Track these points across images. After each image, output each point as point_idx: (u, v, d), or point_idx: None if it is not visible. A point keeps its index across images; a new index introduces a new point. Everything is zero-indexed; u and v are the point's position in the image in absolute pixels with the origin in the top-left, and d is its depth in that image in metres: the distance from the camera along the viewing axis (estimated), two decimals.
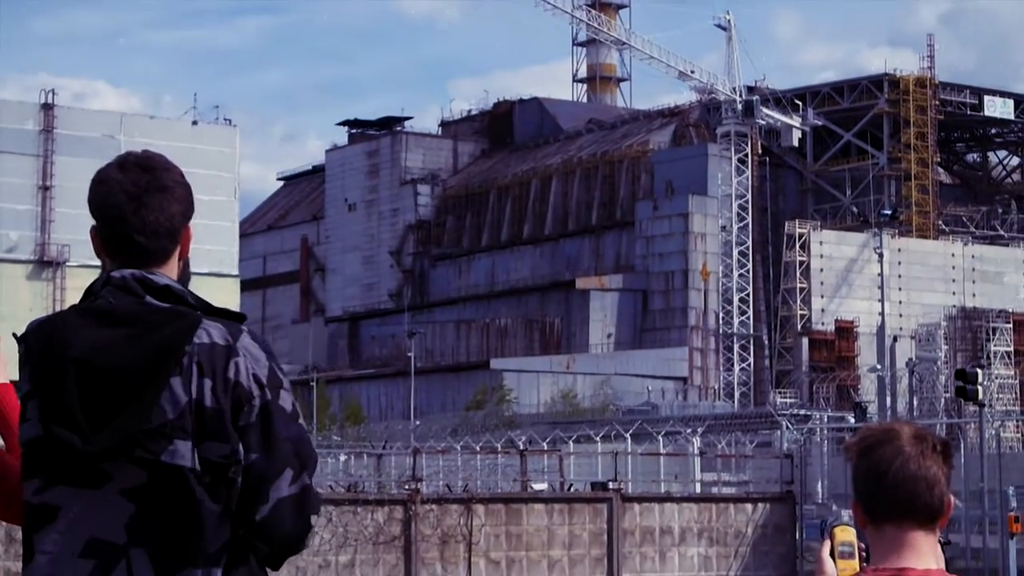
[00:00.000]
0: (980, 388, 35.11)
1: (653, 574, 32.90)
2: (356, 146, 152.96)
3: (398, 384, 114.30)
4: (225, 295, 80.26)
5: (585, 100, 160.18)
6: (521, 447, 44.54)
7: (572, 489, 36.88)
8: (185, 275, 4.14)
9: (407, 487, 31.02)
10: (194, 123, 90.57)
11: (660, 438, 50.14)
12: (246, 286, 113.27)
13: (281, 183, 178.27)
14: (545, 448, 50.88)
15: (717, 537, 34.02)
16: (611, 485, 33.49)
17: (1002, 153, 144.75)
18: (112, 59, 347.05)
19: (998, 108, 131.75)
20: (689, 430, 51.34)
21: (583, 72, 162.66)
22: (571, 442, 54.41)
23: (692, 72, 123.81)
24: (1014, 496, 33.31)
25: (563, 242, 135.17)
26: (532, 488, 37.75)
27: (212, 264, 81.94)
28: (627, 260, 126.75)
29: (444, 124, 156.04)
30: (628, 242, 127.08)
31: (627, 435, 49.38)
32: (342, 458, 51.67)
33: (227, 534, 3.91)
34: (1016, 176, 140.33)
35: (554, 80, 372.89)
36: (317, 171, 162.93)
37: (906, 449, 4.16)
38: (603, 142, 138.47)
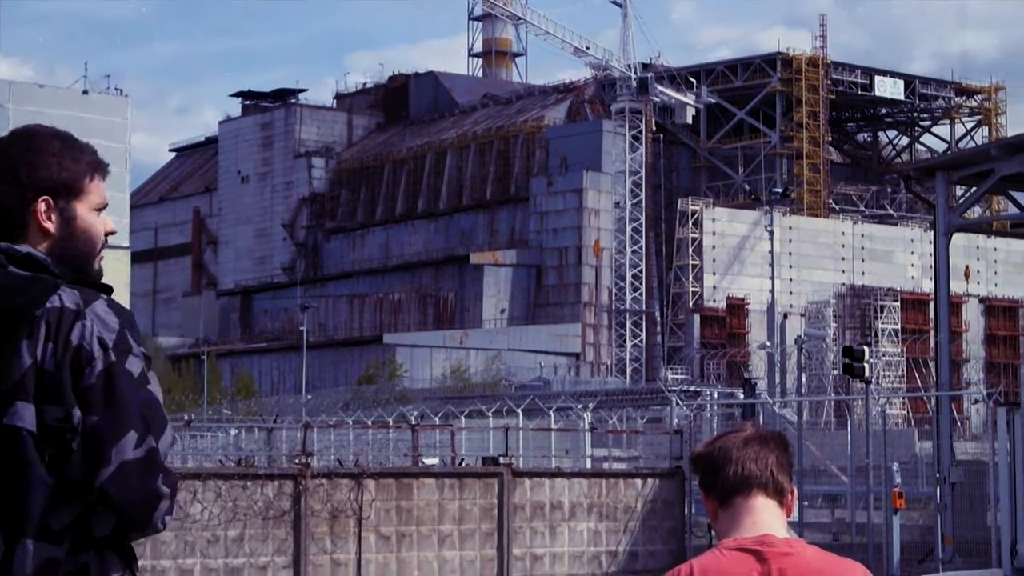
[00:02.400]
0: (867, 365, 35.52)
1: (543, 548, 33.03)
2: (249, 118, 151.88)
3: (290, 358, 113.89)
4: (115, 267, 79.34)
5: (481, 75, 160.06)
6: (413, 422, 44.53)
7: (463, 464, 36.94)
8: (57, 249, 4.08)
9: (297, 461, 30.90)
10: (84, 92, 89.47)
11: (552, 413, 50.31)
12: (137, 258, 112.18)
13: (174, 154, 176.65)
14: (437, 423, 50.90)
15: (607, 512, 34.20)
16: (502, 460, 33.56)
17: (892, 133, 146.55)
18: (2, 27, 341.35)
19: (888, 88, 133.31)
20: (580, 406, 51.63)
21: (479, 47, 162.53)
22: (463, 417, 54.49)
23: (587, 48, 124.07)
24: (898, 472, 33.76)
25: (457, 217, 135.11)
26: (423, 463, 37.75)
27: None
28: (521, 235, 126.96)
29: (339, 97, 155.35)
30: (522, 217, 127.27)
31: (519, 410, 49.55)
32: (232, 432, 51.44)
33: (71, 515, 3.86)
34: (905, 156, 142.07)
35: (450, 54, 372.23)
36: (210, 142, 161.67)
37: (746, 435, 4.45)
38: (498, 117, 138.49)
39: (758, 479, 4.41)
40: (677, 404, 43.64)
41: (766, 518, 4.37)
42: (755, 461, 4.43)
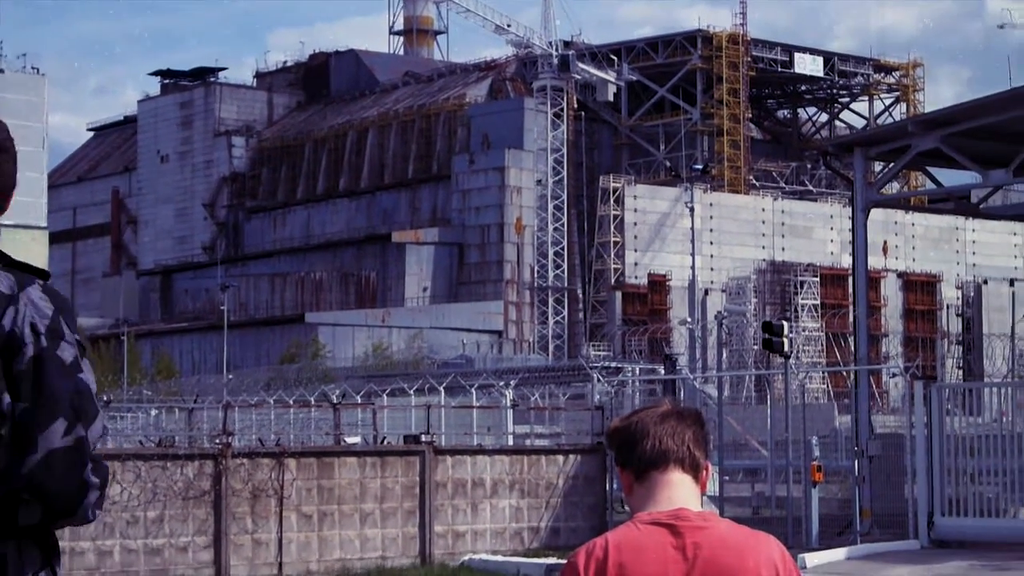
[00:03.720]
0: (786, 340, 35.73)
1: (465, 526, 33.05)
2: (169, 97, 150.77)
3: (211, 338, 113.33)
4: (33, 247, 78.66)
5: (402, 53, 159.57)
6: (335, 401, 44.46)
7: (385, 442, 36.89)
8: None
9: (218, 441, 30.75)
10: (0, 71, 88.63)
11: (474, 391, 50.36)
12: (55, 238, 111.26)
13: (92, 134, 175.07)
14: (359, 402, 50.81)
15: (529, 489, 34.26)
16: (424, 438, 33.52)
17: (812, 109, 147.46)
18: None
19: (808, 65, 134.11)
20: (502, 383, 51.67)
21: (400, 24, 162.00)
22: (385, 396, 54.46)
23: (508, 26, 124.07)
24: (817, 446, 34.03)
25: (379, 195, 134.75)
26: (345, 442, 37.67)
27: (19, 216, 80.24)
28: (443, 214, 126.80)
29: (259, 76, 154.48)
30: (444, 195, 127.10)
31: (441, 388, 49.54)
32: (153, 413, 51.17)
33: None
34: (825, 132, 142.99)
35: (371, 32, 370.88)
36: (129, 122, 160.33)
37: (663, 410, 4.50)
38: (420, 95, 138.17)
39: (675, 454, 4.45)
40: (598, 380, 43.79)
41: (682, 493, 4.41)
42: (672, 436, 4.47)
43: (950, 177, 45.29)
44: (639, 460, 4.45)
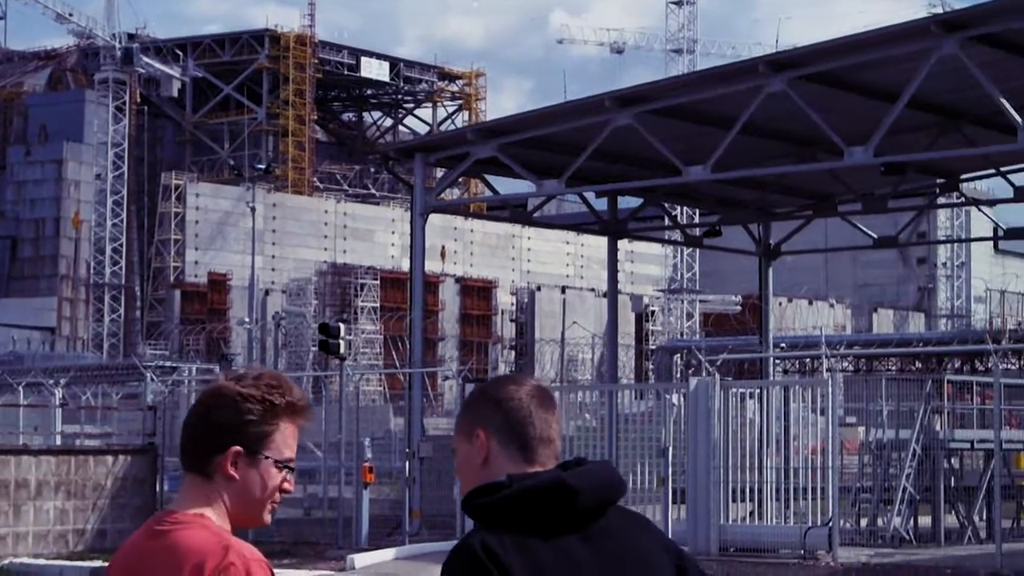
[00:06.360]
0: (342, 342, 35.88)
1: (6, 529, 31.95)
2: None
3: None
4: None
5: None
6: None
7: None
8: None
9: None
10: None
11: (22, 389, 48.84)
12: None
13: None
14: None
15: (75, 490, 33.39)
16: None
17: (377, 114, 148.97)
18: None
19: (374, 70, 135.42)
20: (52, 381, 50.22)
21: None
22: None
23: (71, 15, 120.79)
24: (370, 447, 34.33)
25: None
26: None
27: None
28: None
29: None
30: None
31: None
32: None
33: None
34: (389, 137, 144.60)
35: None
36: None
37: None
38: None
39: (183, 452, 4.37)
40: (152, 380, 43.02)
41: (187, 493, 4.28)
42: (182, 434, 4.38)
43: (509, 185, 46.44)
44: None
